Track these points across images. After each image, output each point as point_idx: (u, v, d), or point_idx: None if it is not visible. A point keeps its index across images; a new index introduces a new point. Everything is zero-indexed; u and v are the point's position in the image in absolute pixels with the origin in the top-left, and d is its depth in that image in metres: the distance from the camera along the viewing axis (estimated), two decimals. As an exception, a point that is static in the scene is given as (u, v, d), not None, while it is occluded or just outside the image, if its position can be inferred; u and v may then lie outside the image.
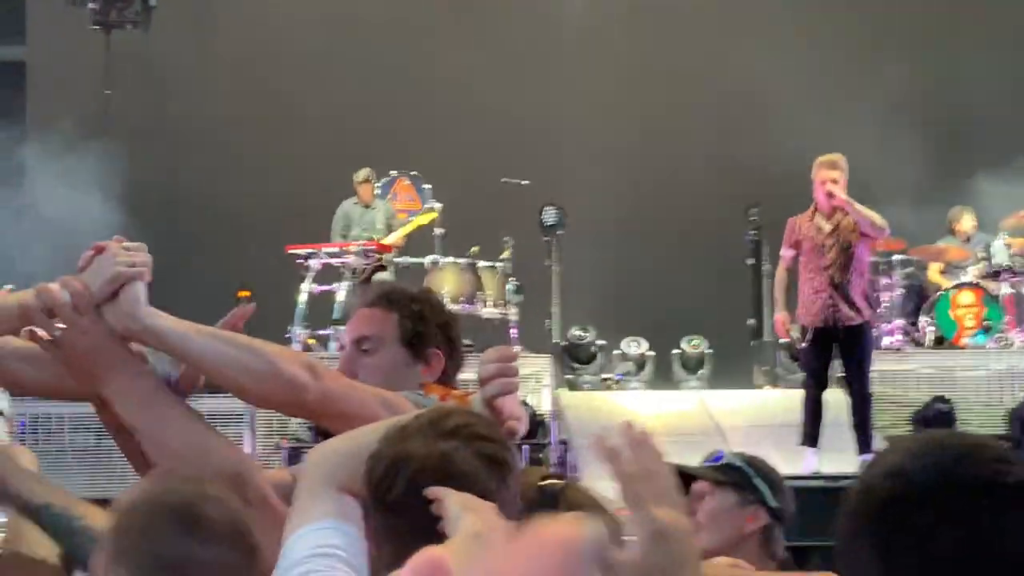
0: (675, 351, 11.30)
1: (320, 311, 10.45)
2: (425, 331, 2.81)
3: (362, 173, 11.59)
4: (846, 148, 8.66)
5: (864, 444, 8.30)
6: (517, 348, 10.46)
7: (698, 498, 3.14)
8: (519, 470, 2.01)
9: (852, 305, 8.34)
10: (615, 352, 11.18)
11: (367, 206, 11.63)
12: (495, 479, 1.90)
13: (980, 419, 9.81)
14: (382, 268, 10.59)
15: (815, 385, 8.43)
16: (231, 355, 2.27)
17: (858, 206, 8.34)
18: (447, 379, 2.79)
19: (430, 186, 11.87)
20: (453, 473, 1.87)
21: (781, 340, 9.75)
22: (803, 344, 8.56)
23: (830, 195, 8.30)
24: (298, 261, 10.65)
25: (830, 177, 8.33)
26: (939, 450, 1.36)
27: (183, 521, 1.92)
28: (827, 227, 8.38)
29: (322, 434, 2.42)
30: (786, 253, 8.64)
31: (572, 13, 13.20)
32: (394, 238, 11.13)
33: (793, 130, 11.04)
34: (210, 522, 1.93)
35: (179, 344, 2.28)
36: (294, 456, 8.79)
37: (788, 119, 11.57)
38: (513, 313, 10.77)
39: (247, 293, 10.82)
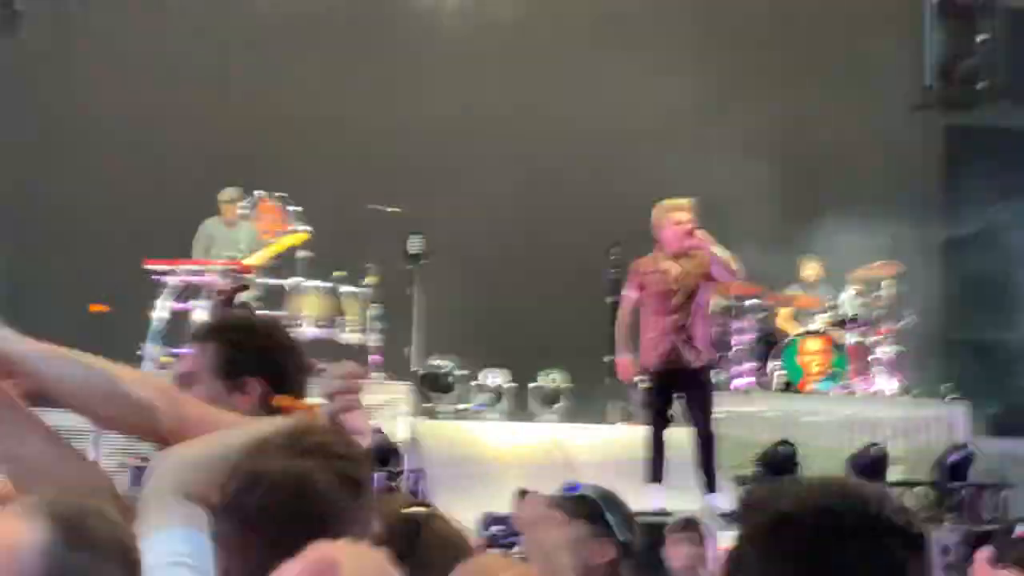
0: (533, 384, 11.38)
1: (179, 329, 10.26)
2: (240, 359, 2.75)
3: (227, 192, 11.47)
4: (700, 188, 8.79)
5: (710, 484, 8.44)
6: (377, 374, 10.49)
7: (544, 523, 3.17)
8: (375, 491, 2.04)
9: (694, 348, 8.47)
10: (474, 383, 11.22)
11: (231, 226, 11.51)
12: (351, 498, 1.93)
13: (821, 463, 10.05)
14: (244, 288, 10.47)
15: (657, 425, 8.55)
16: (82, 377, 2.27)
17: (717, 248, 8.48)
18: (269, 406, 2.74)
19: (296, 208, 11.77)
20: (309, 491, 1.90)
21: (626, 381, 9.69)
22: (644, 385, 8.68)
23: (689, 234, 8.41)
24: (155, 277, 10.47)
25: (684, 219, 8.45)
26: (844, 494, 1.49)
27: (71, 536, 1.89)
28: (673, 270, 8.49)
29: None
30: (631, 295, 8.72)
31: (447, 41, 13.28)
32: (258, 258, 11.02)
33: (655, 169, 11.21)
34: (97, 537, 1.90)
35: (32, 366, 2.26)
36: (140, 474, 8.62)
37: (651, 158, 11.75)
38: (374, 340, 10.76)
39: (103, 308, 10.60)
